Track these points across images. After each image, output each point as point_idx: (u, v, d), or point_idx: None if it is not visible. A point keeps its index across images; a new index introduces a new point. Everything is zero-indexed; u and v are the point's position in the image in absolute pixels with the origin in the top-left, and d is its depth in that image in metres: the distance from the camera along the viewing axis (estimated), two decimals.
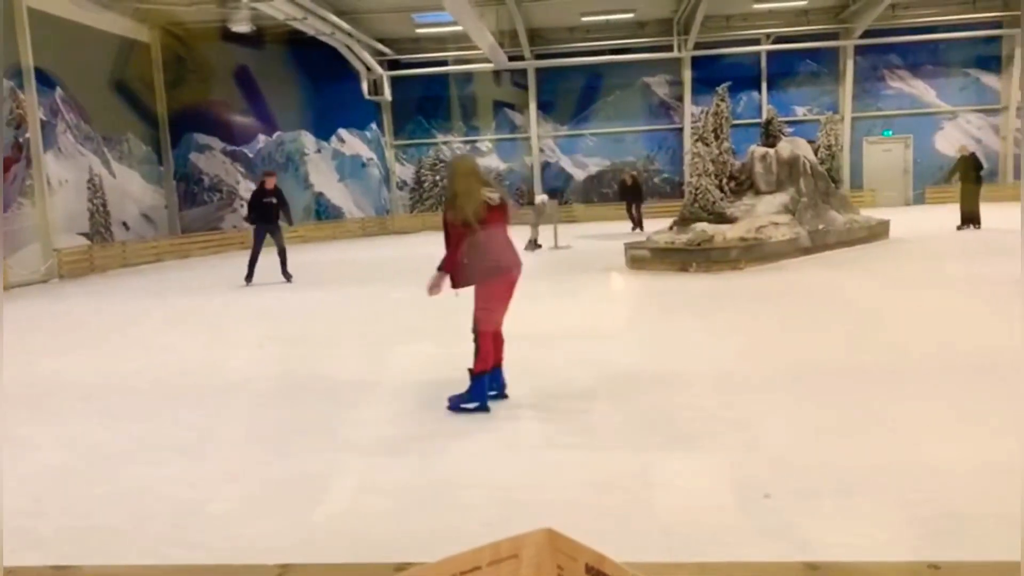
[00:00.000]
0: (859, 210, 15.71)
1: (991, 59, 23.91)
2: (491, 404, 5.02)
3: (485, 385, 5.01)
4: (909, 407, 4.72)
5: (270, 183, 12.51)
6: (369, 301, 10.61)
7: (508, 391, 5.24)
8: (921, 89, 24.41)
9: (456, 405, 5.01)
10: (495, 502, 3.58)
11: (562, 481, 3.81)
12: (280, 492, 3.87)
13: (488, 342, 4.99)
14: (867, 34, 23.10)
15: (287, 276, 12.77)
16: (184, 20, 20.64)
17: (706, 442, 4.29)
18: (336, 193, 24.13)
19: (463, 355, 5.16)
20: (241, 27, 19.30)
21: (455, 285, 4.97)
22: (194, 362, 7.15)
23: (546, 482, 3.82)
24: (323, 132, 23.83)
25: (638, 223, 19.85)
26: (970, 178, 16.04)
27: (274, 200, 12.43)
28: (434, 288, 4.99)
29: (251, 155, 22.99)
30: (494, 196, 4.88)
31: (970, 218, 15.83)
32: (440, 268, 4.97)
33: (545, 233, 16.34)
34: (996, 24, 23.33)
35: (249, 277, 12.55)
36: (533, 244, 15.96)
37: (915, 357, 5.92)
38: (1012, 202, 22.15)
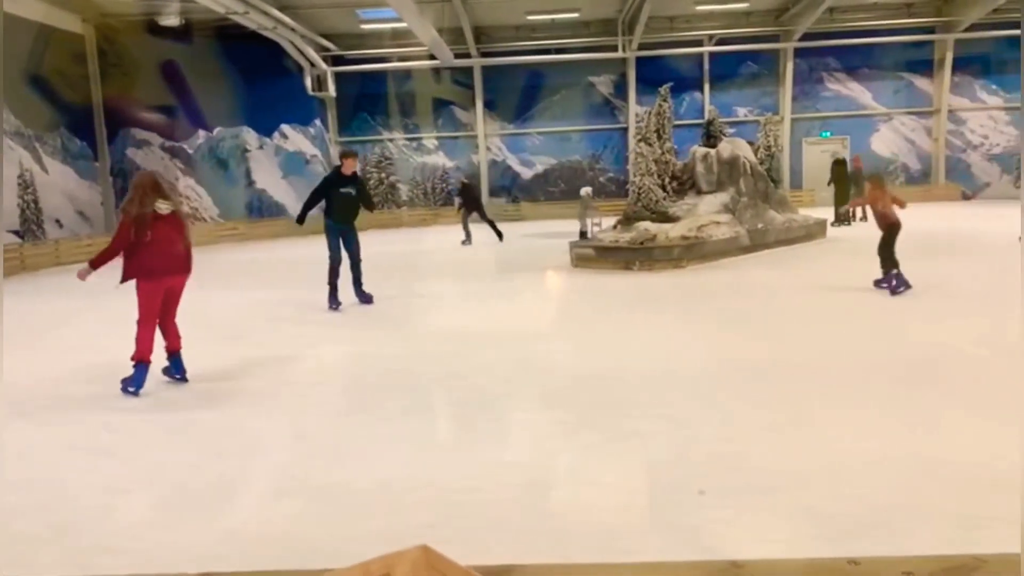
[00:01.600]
0: (798, 210, 16.06)
1: (924, 63, 24.69)
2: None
3: (143, 372, 5.71)
4: (840, 404, 4.84)
5: (349, 166, 9.12)
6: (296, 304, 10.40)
7: (187, 375, 6.01)
8: (857, 91, 25.07)
9: (124, 388, 5.70)
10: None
11: (496, 482, 3.81)
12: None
13: (142, 334, 5.73)
14: (806, 37, 23.63)
15: (366, 296, 9.51)
16: (120, 12, 20.09)
17: (639, 439, 4.33)
18: (279, 190, 23.60)
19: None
20: (179, 20, 18.84)
21: (122, 279, 5.77)
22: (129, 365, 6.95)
23: (483, 484, 3.82)
24: (265, 128, 23.37)
25: (492, 229, 17.57)
26: (841, 181, 17.49)
27: (353, 192, 9.15)
28: (81, 276, 5.85)
29: (191, 151, 22.48)
30: (163, 207, 5.65)
31: (843, 217, 17.23)
32: (90, 262, 5.74)
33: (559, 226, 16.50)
34: (929, 29, 24.10)
35: (334, 297, 9.28)
36: (582, 235, 16.21)
37: (848, 355, 6.07)
38: (943, 202, 22.93)
